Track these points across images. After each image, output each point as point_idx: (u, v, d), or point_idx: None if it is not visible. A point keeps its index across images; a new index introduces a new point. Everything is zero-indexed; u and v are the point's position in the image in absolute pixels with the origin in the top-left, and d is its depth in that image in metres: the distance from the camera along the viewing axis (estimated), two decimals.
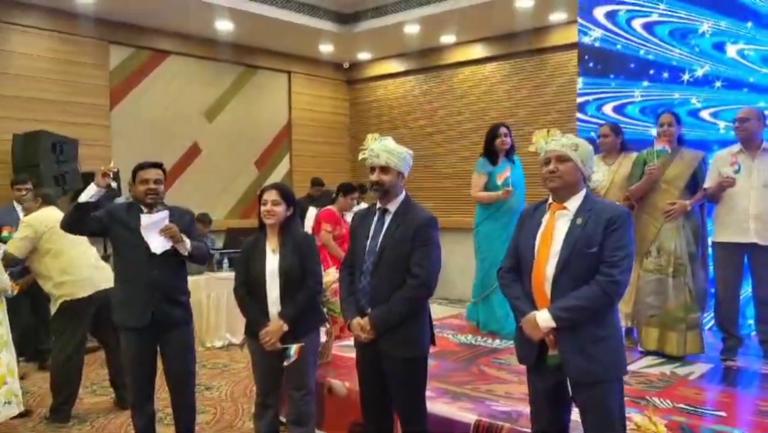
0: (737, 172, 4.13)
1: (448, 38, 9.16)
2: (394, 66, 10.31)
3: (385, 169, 2.80)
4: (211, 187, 8.94)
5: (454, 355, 4.59)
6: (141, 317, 3.29)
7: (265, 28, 8.40)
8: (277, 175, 9.93)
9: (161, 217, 3.27)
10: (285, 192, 3.21)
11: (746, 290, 4.50)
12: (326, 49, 9.67)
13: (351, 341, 4.72)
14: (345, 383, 3.84)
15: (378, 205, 2.89)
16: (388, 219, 2.84)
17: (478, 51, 9.26)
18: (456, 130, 9.60)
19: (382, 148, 2.81)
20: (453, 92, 9.65)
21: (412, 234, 2.75)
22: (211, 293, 6.36)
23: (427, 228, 2.77)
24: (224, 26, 8.22)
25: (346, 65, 10.72)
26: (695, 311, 4.36)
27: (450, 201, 9.24)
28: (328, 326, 4.21)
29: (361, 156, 2.88)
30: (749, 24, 5.13)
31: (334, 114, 10.83)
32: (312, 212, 7.16)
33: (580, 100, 6.11)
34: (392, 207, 2.84)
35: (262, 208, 3.17)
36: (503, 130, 5.13)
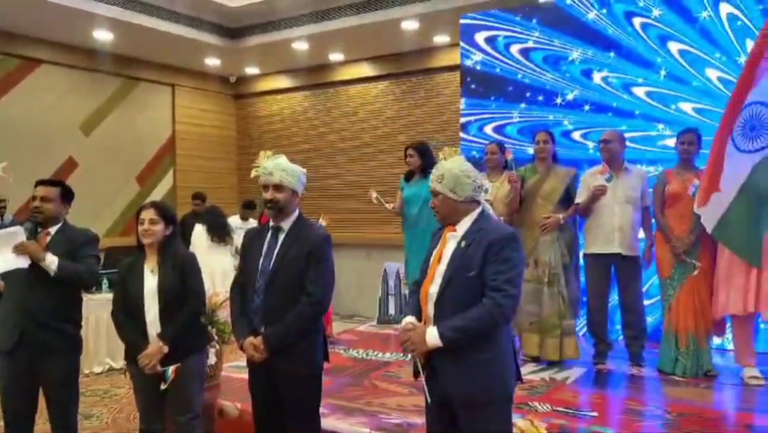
0: (609, 180, 4.47)
1: (336, 56, 9.27)
2: (283, 82, 10.28)
3: (279, 187, 2.80)
4: (89, 204, 8.44)
5: (346, 370, 4.62)
6: (8, 339, 3.12)
7: (147, 40, 8.12)
8: (159, 191, 9.58)
9: (10, 232, 3.08)
10: (163, 210, 3.12)
11: (614, 298, 4.87)
12: (212, 62, 9.50)
13: (242, 362, 4.66)
14: (237, 405, 3.77)
15: (271, 223, 2.88)
16: (281, 237, 2.84)
17: (366, 70, 9.43)
18: (343, 147, 9.71)
19: (276, 166, 2.81)
20: (341, 110, 9.77)
21: (307, 252, 2.76)
22: (90, 316, 6.01)
23: (321, 246, 2.80)
24: (103, 36, 7.86)
25: (232, 79, 10.56)
26: (569, 318, 4.66)
27: (338, 216, 9.31)
28: (217, 346, 4.12)
29: (253, 173, 2.86)
30: (612, 54, 5.60)
31: (220, 129, 10.62)
32: (199, 229, 6.98)
33: (463, 120, 6.39)
34: (286, 225, 2.85)
35: (140, 227, 3.07)
36: (410, 151, 5.33)
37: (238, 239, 6.68)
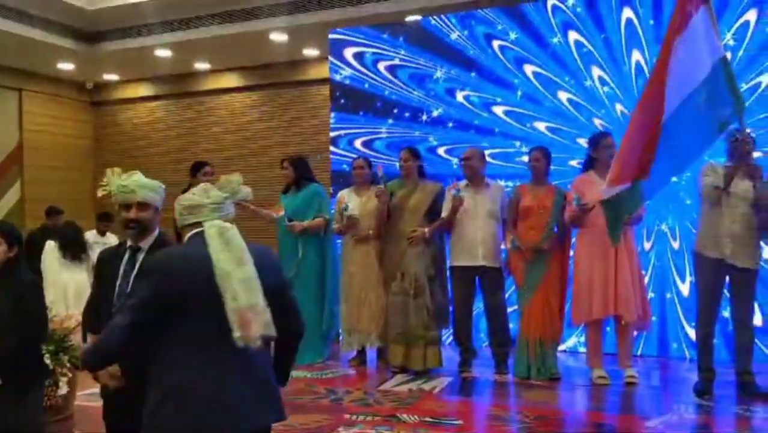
0: (459, 192, 4.66)
1: (202, 65, 9.00)
2: (144, 90, 9.82)
3: (142, 205, 2.64)
4: None
5: None
6: None
7: None
8: (4, 205, 8.79)
9: None
10: (5, 230, 2.86)
11: (479, 307, 5.07)
12: (66, 67, 8.88)
13: (95, 390, 4.36)
14: None
15: (129, 243, 2.71)
16: (140, 258, 2.67)
17: (233, 80, 9.24)
18: (208, 159, 9.38)
19: (137, 184, 2.64)
20: (207, 120, 9.48)
21: None
22: None
23: None
24: None
25: (89, 86, 9.94)
26: (433, 329, 4.82)
27: None
28: (69, 375, 3.82)
29: (101, 192, 2.66)
30: (473, 74, 5.87)
31: (76, 137, 9.94)
32: (51, 245, 6.46)
33: (332, 134, 6.42)
34: (145, 245, 2.68)
35: None
36: (285, 164, 5.42)
37: (94, 255, 6.26)
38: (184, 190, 2.68)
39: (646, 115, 3.69)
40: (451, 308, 4.97)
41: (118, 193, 2.60)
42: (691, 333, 5.13)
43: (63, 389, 3.68)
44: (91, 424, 3.64)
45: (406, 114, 6.09)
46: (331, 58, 6.46)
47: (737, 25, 5.10)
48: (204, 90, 9.43)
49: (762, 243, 4.15)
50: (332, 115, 6.45)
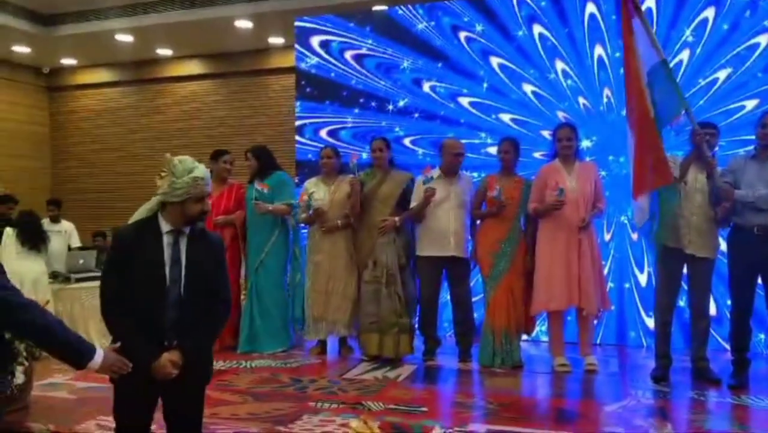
0: (426, 182, 4.66)
1: (164, 51, 8.83)
2: (104, 75, 9.59)
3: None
4: None
5: None
6: None
7: None
8: None
9: None
10: None
11: (444, 296, 5.11)
12: (21, 50, 8.61)
13: (57, 379, 4.27)
14: (49, 426, 3.44)
15: (170, 228, 2.53)
16: (184, 242, 2.56)
17: (196, 67, 9.10)
18: (168, 145, 9.23)
19: (207, 175, 2.55)
20: (168, 107, 9.32)
21: (213, 257, 2.57)
22: None
23: (222, 248, 2.66)
24: None
25: (46, 70, 9.66)
26: (405, 317, 4.84)
27: None
28: (26, 363, 3.73)
29: (163, 182, 2.44)
30: (440, 64, 5.89)
31: (31, 124, 9.66)
32: (9, 232, 6.27)
33: (298, 123, 6.37)
34: (186, 228, 2.54)
35: None
36: (248, 154, 5.37)
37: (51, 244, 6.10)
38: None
39: (641, 118, 4.02)
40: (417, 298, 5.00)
41: (192, 186, 2.46)
42: (649, 322, 5.27)
43: (19, 379, 3.59)
44: (49, 415, 3.57)
45: (373, 104, 6.08)
46: (297, 47, 6.41)
47: (696, 22, 5.23)
48: (166, 77, 9.27)
49: (717, 231, 4.27)
50: (297, 104, 6.40)
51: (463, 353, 4.86)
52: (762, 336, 5.00)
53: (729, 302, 4.35)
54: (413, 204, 4.82)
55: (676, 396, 4.01)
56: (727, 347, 4.52)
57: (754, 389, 4.03)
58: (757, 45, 5.10)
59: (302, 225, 5.30)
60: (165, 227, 2.49)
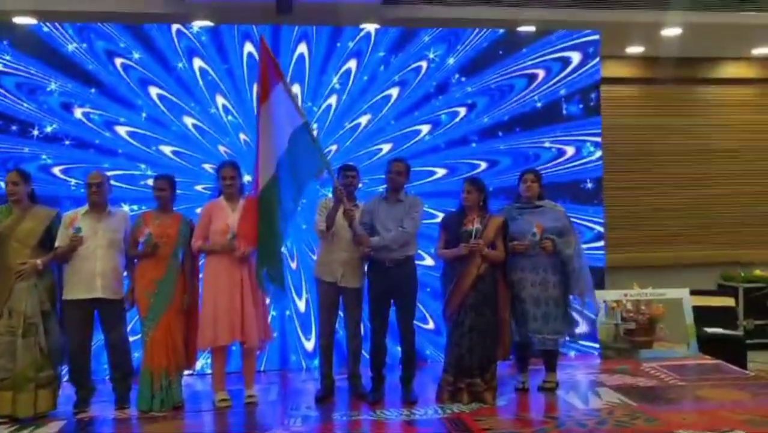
0: (78, 231, 4.40)
1: None
2: None
3: None
4: None
5: None
6: None
7: None
8: None
9: None
10: None
11: (100, 339, 4.78)
12: None
13: None
14: None
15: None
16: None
17: None
18: None
19: None
20: None
21: None
22: None
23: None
24: None
25: None
26: (47, 369, 4.42)
27: None
28: None
29: None
30: (93, 90, 5.51)
31: None
32: None
33: None
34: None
35: None
36: None
37: None
38: None
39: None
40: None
41: None
42: (308, 345, 5.68)
43: None
44: None
45: (13, 127, 5.41)
46: None
47: (341, 71, 5.81)
48: None
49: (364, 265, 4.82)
50: None
51: (120, 399, 4.62)
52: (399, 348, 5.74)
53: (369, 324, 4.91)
54: (58, 243, 4.45)
55: (324, 420, 4.37)
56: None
57: (389, 403, 4.64)
58: (390, 96, 5.88)
59: None
60: None
